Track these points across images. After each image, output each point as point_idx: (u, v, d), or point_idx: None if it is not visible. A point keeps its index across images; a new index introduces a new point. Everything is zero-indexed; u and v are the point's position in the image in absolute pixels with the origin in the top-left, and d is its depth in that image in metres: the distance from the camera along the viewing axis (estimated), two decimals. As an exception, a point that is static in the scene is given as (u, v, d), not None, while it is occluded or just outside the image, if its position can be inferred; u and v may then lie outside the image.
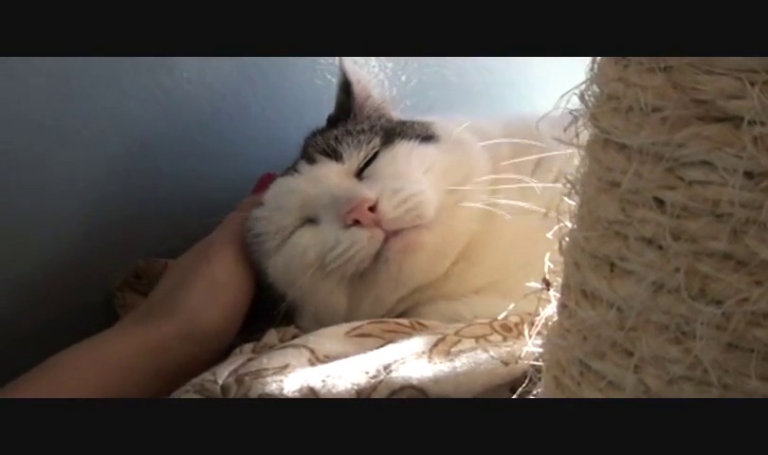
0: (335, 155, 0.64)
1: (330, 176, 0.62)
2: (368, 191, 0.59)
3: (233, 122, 0.83)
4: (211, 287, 0.61)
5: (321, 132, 0.68)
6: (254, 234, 0.64)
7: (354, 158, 0.63)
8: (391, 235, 0.58)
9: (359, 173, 0.63)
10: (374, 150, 0.64)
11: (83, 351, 0.57)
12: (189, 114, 0.81)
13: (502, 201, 0.58)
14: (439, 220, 0.59)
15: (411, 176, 0.61)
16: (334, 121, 0.71)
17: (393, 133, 0.66)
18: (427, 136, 0.66)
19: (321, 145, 0.65)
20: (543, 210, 0.39)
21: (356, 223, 0.58)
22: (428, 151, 0.64)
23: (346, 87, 0.71)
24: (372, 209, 0.58)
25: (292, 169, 0.66)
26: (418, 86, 0.95)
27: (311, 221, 0.62)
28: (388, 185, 0.59)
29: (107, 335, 0.60)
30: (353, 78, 0.71)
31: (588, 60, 0.36)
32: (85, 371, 0.55)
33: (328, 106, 0.76)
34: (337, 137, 0.65)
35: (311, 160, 0.64)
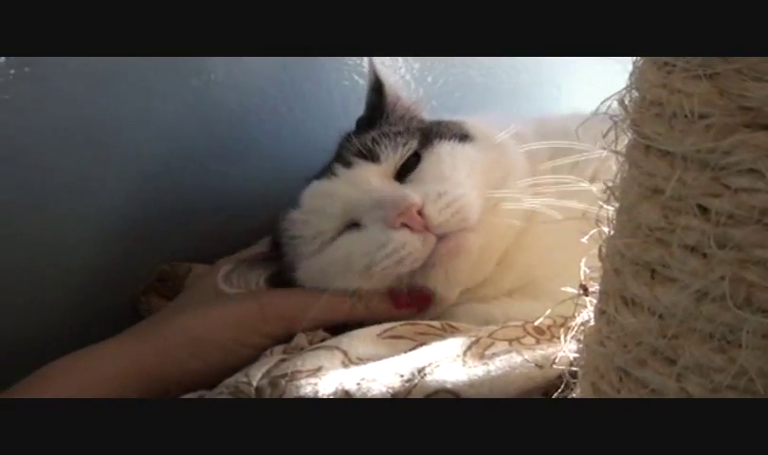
0: (371, 157, 0.63)
1: (370, 179, 0.62)
2: (414, 195, 0.58)
3: (261, 124, 0.83)
4: (228, 318, 0.61)
5: (356, 134, 0.68)
6: (290, 236, 0.64)
7: (390, 159, 0.63)
8: (437, 239, 0.58)
9: (398, 176, 0.63)
10: (410, 151, 0.63)
11: (77, 360, 0.57)
12: (217, 116, 0.81)
13: (543, 200, 0.58)
14: (483, 222, 0.59)
15: (454, 179, 0.60)
16: (364, 123, 0.71)
17: (429, 133, 0.65)
18: (463, 136, 0.65)
19: (357, 147, 0.64)
20: (581, 211, 0.38)
21: (404, 226, 0.57)
22: (468, 151, 0.64)
23: (378, 88, 0.71)
24: (419, 213, 0.58)
25: (329, 172, 0.65)
26: (444, 87, 0.94)
27: (354, 225, 0.61)
28: (432, 188, 0.59)
29: (105, 345, 0.60)
30: (385, 79, 0.70)
31: (620, 62, 0.36)
32: (78, 380, 0.55)
33: (355, 107, 0.76)
34: (374, 139, 0.64)
35: (347, 163, 0.64)
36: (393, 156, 0.63)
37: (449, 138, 0.64)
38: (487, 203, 0.60)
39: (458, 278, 0.60)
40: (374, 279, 0.59)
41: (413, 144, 0.63)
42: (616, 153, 0.36)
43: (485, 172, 0.62)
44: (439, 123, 0.68)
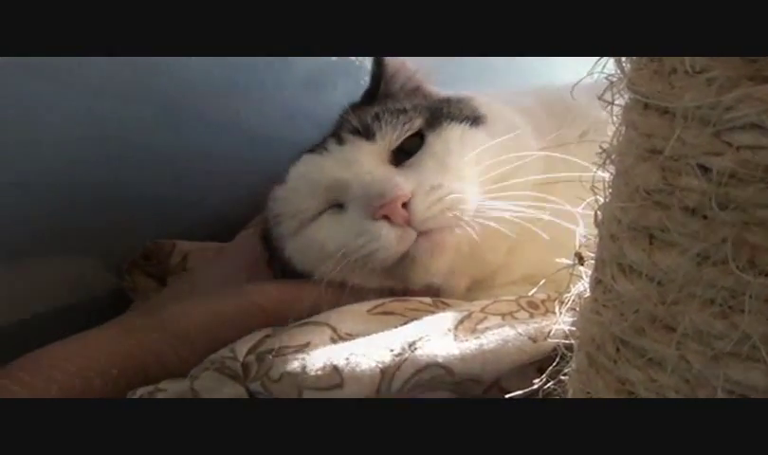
0: (366, 134, 0.59)
1: (362, 160, 0.57)
2: (405, 184, 0.54)
3: (248, 97, 0.82)
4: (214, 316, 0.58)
5: (355, 108, 0.63)
6: (273, 215, 0.61)
7: (387, 138, 0.58)
8: (420, 234, 0.54)
9: (397, 157, 0.59)
10: (411, 131, 0.59)
11: (73, 346, 0.55)
12: (202, 89, 0.79)
13: (545, 216, 0.54)
14: (475, 221, 0.55)
15: (457, 170, 0.56)
16: (368, 96, 0.66)
17: (438, 113, 0.61)
18: (475, 118, 0.61)
19: (354, 123, 0.60)
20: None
21: (385, 218, 0.54)
22: (479, 137, 0.59)
23: (378, 59, 0.66)
24: (405, 205, 0.54)
25: (321, 147, 0.61)
26: (436, 60, 0.92)
27: (337, 206, 0.58)
28: (426, 179, 0.55)
29: (102, 330, 0.58)
30: None
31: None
32: (63, 369, 0.53)
33: (344, 82, 0.75)
34: (376, 115, 0.60)
35: (340, 140, 0.60)
36: (390, 135, 0.58)
37: (461, 121, 0.60)
38: (487, 196, 0.56)
39: (439, 271, 0.56)
40: (354, 269, 0.55)
41: (417, 123, 0.59)
42: (613, 114, 0.35)
43: (495, 161, 0.57)
44: (449, 101, 0.63)
